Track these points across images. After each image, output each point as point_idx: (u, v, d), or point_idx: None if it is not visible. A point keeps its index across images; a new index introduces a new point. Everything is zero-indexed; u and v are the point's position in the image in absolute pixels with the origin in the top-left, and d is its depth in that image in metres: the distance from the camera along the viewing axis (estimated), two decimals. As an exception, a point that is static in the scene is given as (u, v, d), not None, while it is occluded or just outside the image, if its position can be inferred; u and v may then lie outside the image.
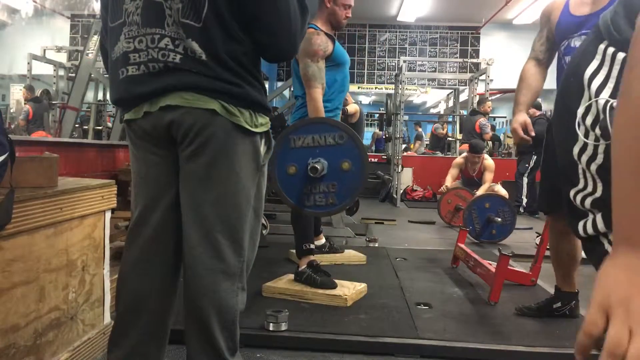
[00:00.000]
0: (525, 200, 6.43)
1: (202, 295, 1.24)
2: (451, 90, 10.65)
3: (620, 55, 1.00)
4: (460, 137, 8.23)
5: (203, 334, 1.25)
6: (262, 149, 1.31)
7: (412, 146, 12.31)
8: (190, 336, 1.27)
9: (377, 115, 14.08)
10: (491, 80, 7.51)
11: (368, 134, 13.01)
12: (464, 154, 5.64)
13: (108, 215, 1.83)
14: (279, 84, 9.67)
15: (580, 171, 1.07)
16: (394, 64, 10.17)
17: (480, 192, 5.12)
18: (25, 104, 7.15)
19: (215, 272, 1.24)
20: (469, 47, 10.19)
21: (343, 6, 2.73)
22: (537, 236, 3.64)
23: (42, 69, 7.96)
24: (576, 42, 2.10)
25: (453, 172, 5.60)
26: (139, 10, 1.19)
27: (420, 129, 12.74)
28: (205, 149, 1.21)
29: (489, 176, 5.39)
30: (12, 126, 6.93)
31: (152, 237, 1.29)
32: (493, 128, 8.16)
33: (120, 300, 1.33)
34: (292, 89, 8.14)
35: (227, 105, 1.20)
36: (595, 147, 1.03)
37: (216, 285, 1.24)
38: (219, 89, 1.19)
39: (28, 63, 7.60)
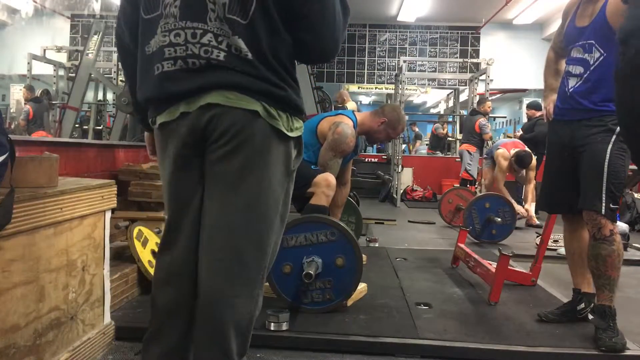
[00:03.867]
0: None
1: (220, 300, 1.19)
2: (451, 90, 10.65)
3: None
4: (460, 137, 8.22)
5: (217, 339, 1.19)
6: (293, 154, 1.27)
7: (410, 147, 12.31)
8: (201, 338, 1.22)
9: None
10: (491, 80, 7.50)
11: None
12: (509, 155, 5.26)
13: (108, 215, 1.83)
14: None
15: None
16: (394, 64, 10.17)
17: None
18: (25, 104, 7.15)
19: (236, 278, 1.19)
20: (469, 47, 10.19)
21: (387, 135, 2.90)
22: (537, 236, 3.64)
23: (42, 69, 7.96)
24: (575, 53, 2.14)
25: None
26: (178, 2, 1.15)
27: (417, 129, 12.72)
28: (242, 151, 1.16)
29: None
30: (12, 126, 6.93)
31: (185, 243, 1.25)
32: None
33: (157, 303, 1.28)
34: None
35: (269, 108, 1.16)
36: None
37: (236, 292, 1.19)
38: (262, 90, 1.15)
39: (28, 63, 7.60)
